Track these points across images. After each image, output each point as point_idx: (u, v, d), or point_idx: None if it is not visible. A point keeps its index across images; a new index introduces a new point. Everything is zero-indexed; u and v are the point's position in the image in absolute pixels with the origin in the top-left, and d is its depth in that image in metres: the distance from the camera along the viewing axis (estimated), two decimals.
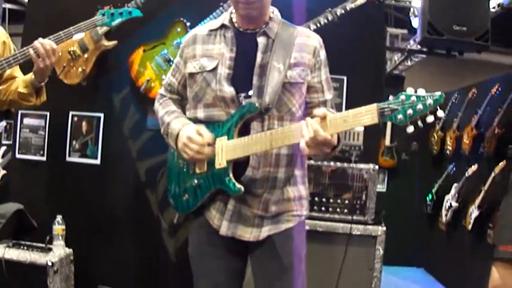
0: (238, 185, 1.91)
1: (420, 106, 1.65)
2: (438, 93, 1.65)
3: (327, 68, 2.11)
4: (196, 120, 2.04)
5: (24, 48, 2.38)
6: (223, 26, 2.04)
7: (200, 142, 1.90)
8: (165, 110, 2.14)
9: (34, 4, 4.22)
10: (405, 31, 6.45)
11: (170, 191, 2.17)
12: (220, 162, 1.92)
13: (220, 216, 2.00)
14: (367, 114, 1.69)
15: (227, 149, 1.92)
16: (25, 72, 2.60)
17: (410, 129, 1.70)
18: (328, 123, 1.74)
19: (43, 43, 2.36)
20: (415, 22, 4.74)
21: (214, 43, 2.02)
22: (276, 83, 1.91)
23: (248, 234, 2.00)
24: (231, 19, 2.04)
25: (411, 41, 5.85)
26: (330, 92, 2.12)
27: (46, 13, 4.01)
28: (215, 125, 1.98)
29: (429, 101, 1.64)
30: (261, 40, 1.98)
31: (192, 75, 2.04)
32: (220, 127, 1.96)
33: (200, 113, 2.03)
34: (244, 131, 1.94)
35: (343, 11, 3.46)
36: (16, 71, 2.59)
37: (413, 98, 1.66)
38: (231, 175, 1.92)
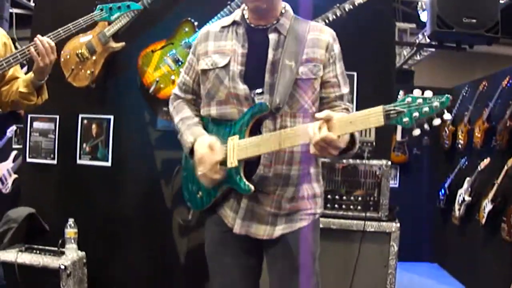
0: (248, 184, 1.90)
1: (426, 108, 1.62)
2: (445, 96, 1.62)
3: (342, 62, 2.09)
4: (209, 118, 2.05)
5: (24, 47, 2.38)
6: (234, 23, 2.04)
7: (213, 161, 1.90)
8: (179, 117, 2.14)
9: (40, 9, 4.22)
10: (413, 25, 6.40)
11: (185, 188, 2.18)
12: (232, 161, 1.91)
13: (233, 214, 2.00)
14: (373, 116, 1.68)
15: (238, 148, 1.91)
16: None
17: (417, 131, 1.70)
18: (333, 124, 1.72)
19: (42, 41, 2.36)
20: (423, 16, 4.71)
21: (226, 40, 2.02)
22: (288, 82, 1.90)
23: (261, 232, 1.99)
24: (243, 15, 2.04)
25: (420, 35, 5.81)
26: (346, 86, 2.09)
27: (53, 17, 4.00)
28: (227, 123, 1.98)
29: (436, 103, 1.62)
30: (272, 37, 1.97)
31: (204, 71, 2.04)
32: (232, 126, 1.96)
33: (213, 111, 2.02)
34: (257, 129, 1.93)
35: (351, 7, 3.43)
36: (18, 72, 2.59)
37: (419, 100, 1.64)
38: (242, 174, 1.92)
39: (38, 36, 2.39)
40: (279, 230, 2.00)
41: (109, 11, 2.69)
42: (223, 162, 1.93)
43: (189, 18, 3.59)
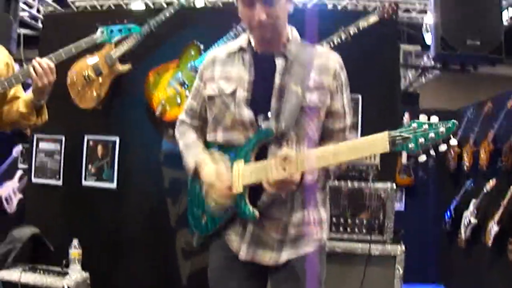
0: (253, 210, 1.89)
1: (432, 134, 1.62)
2: (451, 122, 1.61)
3: (348, 90, 2.07)
4: (215, 144, 2.04)
5: (24, 67, 2.39)
6: (241, 49, 2.03)
7: (223, 186, 1.91)
8: (184, 142, 2.15)
9: (48, 30, 4.27)
10: (418, 47, 6.42)
11: (190, 212, 2.16)
12: (237, 187, 1.91)
13: (239, 239, 1.98)
14: (379, 143, 1.68)
15: (243, 174, 1.90)
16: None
17: (423, 157, 1.69)
18: (291, 162, 1.76)
19: (40, 62, 2.35)
20: (428, 38, 4.72)
21: (233, 66, 2.01)
22: (294, 107, 1.89)
23: (267, 258, 1.97)
24: (249, 41, 2.03)
25: (425, 57, 5.83)
26: (350, 115, 2.08)
27: (60, 38, 4.03)
28: (233, 149, 1.97)
29: (442, 129, 1.61)
30: (279, 62, 1.96)
31: (211, 97, 2.03)
32: (238, 151, 1.95)
33: (219, 137, 2.02)
34: (262, 155, 1.92)
35: (356, 30, 3.45)
36: (20, 91, 2.59)
37: (425, 126, 1.63)
38: (247, 200, 1.90)
39: (37, 58, 2.40)
40: (285, 255, 1.98)
41: (110, 33, 2.71)
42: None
43: (195, 41, 3.63)
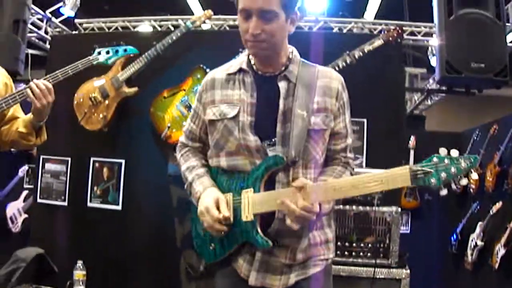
0: (267, 240, 1.86)
1: (453, 169, 1.61)
2: (473, 156, 1.62)
3: (348, 111, 2.05)
4: (219, 169, 2.00)
5: (21, 88, 2.40)
6: (241, 70, 1.97)
7: (215, 217, 1.85)
8: (187, 166, 2.09)
9: (55, 51, 4.32)
10: (424, 70, 6.44)
11: (195, 239, 2.12)
12: (247, 215, 1.87)
13: (248, 266, 1.95)
14: (399, 177, 1.67)
15: (253, 202, 1.87)
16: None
17: (444, 192, 1.67)
18: (307, 191, 1.75)
19: (38, 84, 2.37)
20: (434, 61, 4.73)
21: (234, 89, 1.96)
22: (301, 132, 1.86)
23: (277, 282, 1.94)
24: (249, 62, 1.97)
25: (431, 80, 5.83)
26: (351, 135, 2.07)
27: (67, 59, 4.06)
28: (240, 175, 1.93)
29: (463, 164, 1.61)
30: (282, 85, 1.92)
31: (212, 122, 1.98)
32: (245, 178, 1.91)
33: (223, 162, 1.97)
34: (269, 180, 1.89)
35: (361, 53, 3.47)
36: (18, 112, 2.60)
37: (447, 161, 1.63)
38: (258, 228, 1.87)
39: (35, 79, 2.41)
40: (293, 277, 1.95)
41: (107, 54, 2.72)
42: (238, 214, 1.90)
43: (201, 65, 3.66)
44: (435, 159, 1.64)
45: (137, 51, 2.94)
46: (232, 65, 2.03)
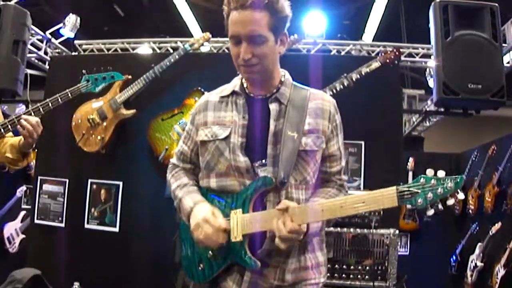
0: (255, 260, 1.85)
1: (440, 190, 1.64)
2: (459, 177, 1.64)
3: (342, 133, 2.05)
4: (209, 190, 2.00)
5: (13, 117, 2.42)
6: (234, 93, 2.00)
7: (216, 226, 1.85)
8: (177, 184, 2.08)
9: (54, 71, 4.34)
10: (422, 91, 6.45)
11: (184, 259, 2.09)
12: (236, 236, 1.86)
13: (236, 287, 1.93)
14: (386, 197, 1.68)
15: (242, 223, 1.87)
16: None
17: (430, 212, 1.68)
18: (294, 213, 1.75)
19: (28, 119, 2.39)
20: (431, 83, 4.75)
21: (226, 111, 1.98)
22: (291, 154, 1.87)
23: None
24: (242, 85, 2.00)
25: (429, 102, 5.85)
26: (344, 157, 2.08)
27: (66, 80, 4.10)
28: (229, 196, 1.93)
29: (450, 184, 1.64)
30: (273, 107, 1.93)
31: (204, 143, 1.99)
32: (234, 199, 1.92)
33: (213, 183, 1.98)
34: (259, 201, 1.89)
35: (358, 76, 3.48)
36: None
37: (433, 181, 1.65)
38: (247, 249, 1.87)
39: (23, 116, 2.42)
40: None
41: (95, 81, 2.73)
42: (227, 235, 1.89)
43: (199, 88, 3.67)
44: (422, 180, 1.66)
45: (122, 77, 2.94)
46: (226, 88, 2.05)
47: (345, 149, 2.09)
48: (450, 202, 1.60)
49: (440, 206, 1.52)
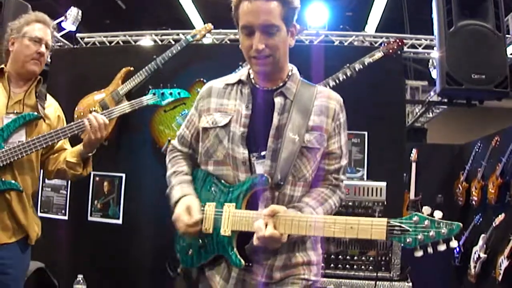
0: (240, 259, 1.84)
1: (432, 233, 1.55)
2: (456, 224, 1.55)
3: (345, 131, 2.02)
4: (209, 174, 1.99)
5: (79, 120, 2.49)
6: (240, 82, 1.99)
7: (186, 222, 1.87)
8: (173, 170, 2.11)
9: (57, 65, 4.33)
10: (425, 82, 6.43)
11: (177, 243, 2.11)
12: (225, 230, 1.86)
13: (224, 283, 1.92)
14: (375, 229, 1.63)
15: (233, 218, 1.86)
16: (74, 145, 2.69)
17: (419, 253, 1.58)
18: (283, 221, 1.73)
19: (96, 117, 2.47)
20: (435, 74, 4.73)
21: (229, 98, 1.98)
22: (290, 156, 1.85)
23: None
24: (249, 75, 1.99)
25: (432, 93, 5.83)
26: (346, 157, 2.03)
27: (68, 74, 4.12)
28: (226, 186, 1.93)
29: (444, 230, 1.54)
30: (278, 101, 1.92)
31: (205, 129, 1.99)
32: (230, 191, 1.91)
33: (211, 171, 1.98)
34: (254, 196, 1.88)
35: (361, 66, 3.47)
36: (66, 143, 2.70)
37: (427, 222, 1.57)
38: (234, 246, 1.86)
39: (94, 112, 2.51)
40: None
41: (161, 96, 2.77)
42: (218, 225, 1.88)
43: (202, 79, 3.66)
44: (415, 218, 1.58)
45: (189, 94, 2.99)
46: (232, 76, 2.05)
47: (347, 148, 2.05)
48: (441, 248, 1.51)
49: (430, 250, 1.45)
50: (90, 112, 3.65)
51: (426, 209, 1.59)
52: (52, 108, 2.67)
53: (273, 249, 1.82)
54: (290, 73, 1.98)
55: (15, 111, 2.51)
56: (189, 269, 2.03)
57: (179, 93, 2.85)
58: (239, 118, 1.92)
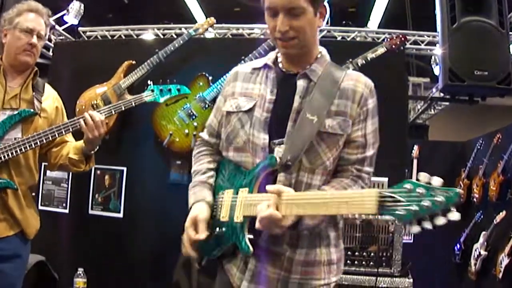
0: (249, 246, 1.74)
1: (427, 203, 1.31)
2: (454, 191, 1.31)
3: (375, 119, 1.89)
4: (230, 162, 1.91)
5: (75, 118, 2.48)
6: (266, 66, 1.92)
7: (191, 237, 1.78)
8: (194, 168, 2.02)
9: (58, 58, 4.33)
10: (427, 79, 6.41)
11: None
12: (238, 216, 1.78)
13: (240, 275, 1.83)
14: (365, 202, 1.44)
15: (245, 203, 1.78)
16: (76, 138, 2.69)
17: (415, 229, 1.34)
18: (282, 201, 1.61)
19: (92, 115, 2.46)
20: (437, 70, 4.72)
21: (255, 83, 1.91)
22: (306, 137, 1.75)
23: None
24: (276, 59, 1.92)
25: (434, 89, 5.82)
26: (373, 147, 1.87)
27: (70, 67, 4.11)
28: (243, 172, 1.85)
29: (440, 198, 1.29)
30: (300, 83, 1.83)
31: (228, 114, 1.93)
32: (245, 176, 1.83)
33: (231, 157, 1.90)
34: (269, 181, 1.77)
35: (364, 62, 3.47)
36: (68, 136, 2.68)
37: (421, 190, 1.33)
38: (245, 232, 1.76)
39: (89, 111, 2.51)
40: None
41: (160, 92, 2.76)
42: (233, 213, 1.81)
43: (204, 73, 3.66)
44: (408, 185, 1.35)
45: (189, 91, 2.97)
46: (259, 61, 1.98)
47: (376, 137, 1.90)
48: (440, 222, 1.26)
49: (428, 225, 1.25)
50: (92, 106, 3.68)
51: (423, 176, 1.36)
52: (50, 99, 2.65)
53: (275, 233, 1.71)
54: (319, 55, 1.88)
55: (11, 107, 2.49)
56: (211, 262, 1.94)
57: (178, 89, 2.83)
58: (262, 103, 1.85)
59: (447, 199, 1.30)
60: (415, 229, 1.33)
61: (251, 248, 1.74)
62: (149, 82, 3.00)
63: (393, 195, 1.36)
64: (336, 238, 1.89)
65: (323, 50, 1.92)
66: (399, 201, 1.35)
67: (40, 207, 4.07)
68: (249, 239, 1.77)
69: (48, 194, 4.07)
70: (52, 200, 4.06)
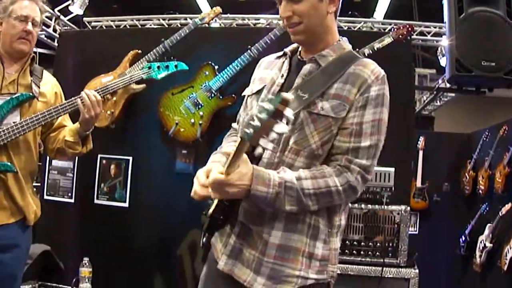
0: (206, 213, 1.71)
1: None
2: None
3: (378, 109, 1.73)
4: None
5: (72, 98, 2.49)
6: (286, 54, 1.92)
7: (201, 182, 1.68)
8: (221, 146, 1.98)
9: (63, 48, 4.32)
10: (433, 71, 6.39)
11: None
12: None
13: (222, 248, 1.81)
14: None
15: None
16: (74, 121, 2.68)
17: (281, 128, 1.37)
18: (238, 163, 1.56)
19: (89, 94, 2.47)
20: (443, 61, 4.70)
21: (272, 69, 1.92)
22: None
23: (244, 276, 1.74)
24: (297, 47, 1.91)
25: (440, 81, 5.81)
26: (370, 137, 1.73)
27: (74, 57, 4.11)
28: None
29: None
30: (307, 67, 1.80)
31: (246, 98, 1.99)
32: None
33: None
34: (257, 162, 1.71)
35: (370, 51, 3.45)
36: (66, 120, 2.70)
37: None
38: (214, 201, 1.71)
39: (86, 90, 2.51)
40: (259, 285, 1.72)
41: (157, 69, 2.76)
42: None
43: (210, 62, 3.64)
44: None
45: (186, 67, 2.94)
46: (284, 50, 1.98)
47: (376, 127, 1.75)
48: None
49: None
50: None
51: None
52: (49, 85, 2.65)
53: (228, 198, 1.65)
54: (335, 43, 1.82)
55: (9, 92, 2.50)
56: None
57: (176, 66, 2.83)
58: (270, 85, 1.86)
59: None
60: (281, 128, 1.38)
61: (210, 212, 1.71)
62: (146, 58, 2.97)
63: None
64: (327, 234, 1.77)
65: (344, 39, 1.87)
66: None
67: (46, 197, 4.08)
68: (231, 215, 1.74)
69: (53, 184, 4.07)
70: (57, 190, 4.06)
